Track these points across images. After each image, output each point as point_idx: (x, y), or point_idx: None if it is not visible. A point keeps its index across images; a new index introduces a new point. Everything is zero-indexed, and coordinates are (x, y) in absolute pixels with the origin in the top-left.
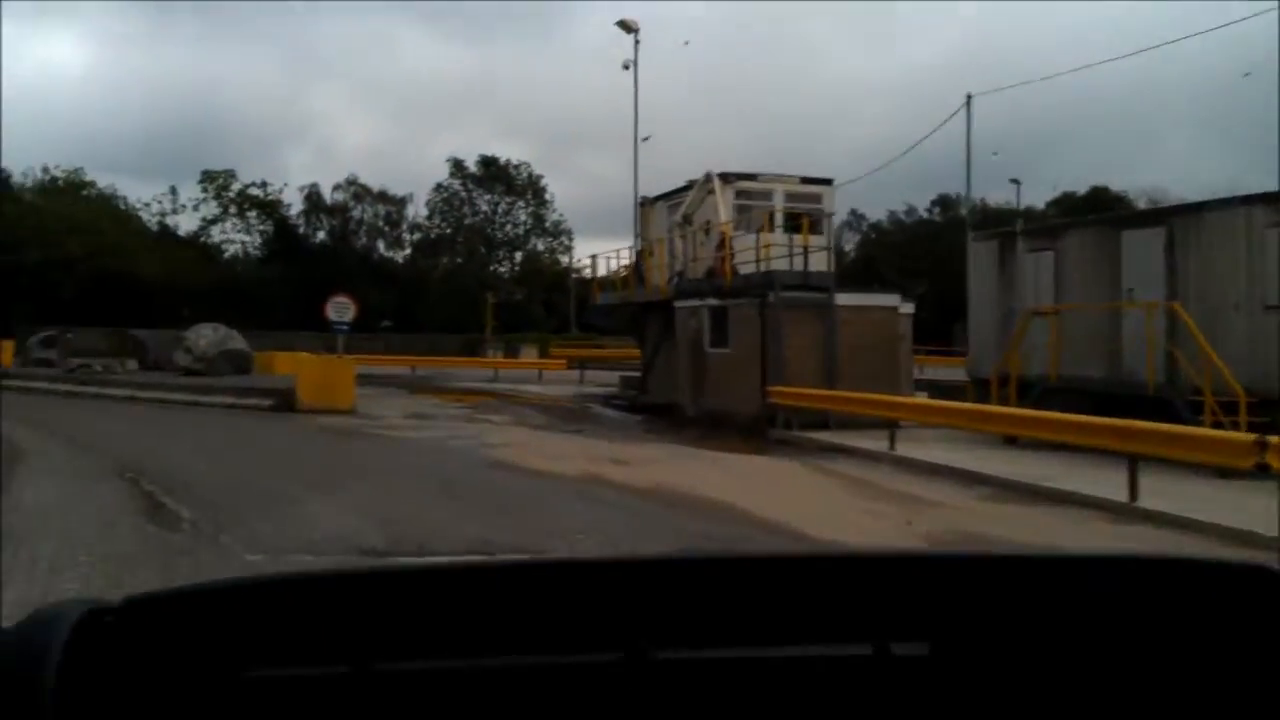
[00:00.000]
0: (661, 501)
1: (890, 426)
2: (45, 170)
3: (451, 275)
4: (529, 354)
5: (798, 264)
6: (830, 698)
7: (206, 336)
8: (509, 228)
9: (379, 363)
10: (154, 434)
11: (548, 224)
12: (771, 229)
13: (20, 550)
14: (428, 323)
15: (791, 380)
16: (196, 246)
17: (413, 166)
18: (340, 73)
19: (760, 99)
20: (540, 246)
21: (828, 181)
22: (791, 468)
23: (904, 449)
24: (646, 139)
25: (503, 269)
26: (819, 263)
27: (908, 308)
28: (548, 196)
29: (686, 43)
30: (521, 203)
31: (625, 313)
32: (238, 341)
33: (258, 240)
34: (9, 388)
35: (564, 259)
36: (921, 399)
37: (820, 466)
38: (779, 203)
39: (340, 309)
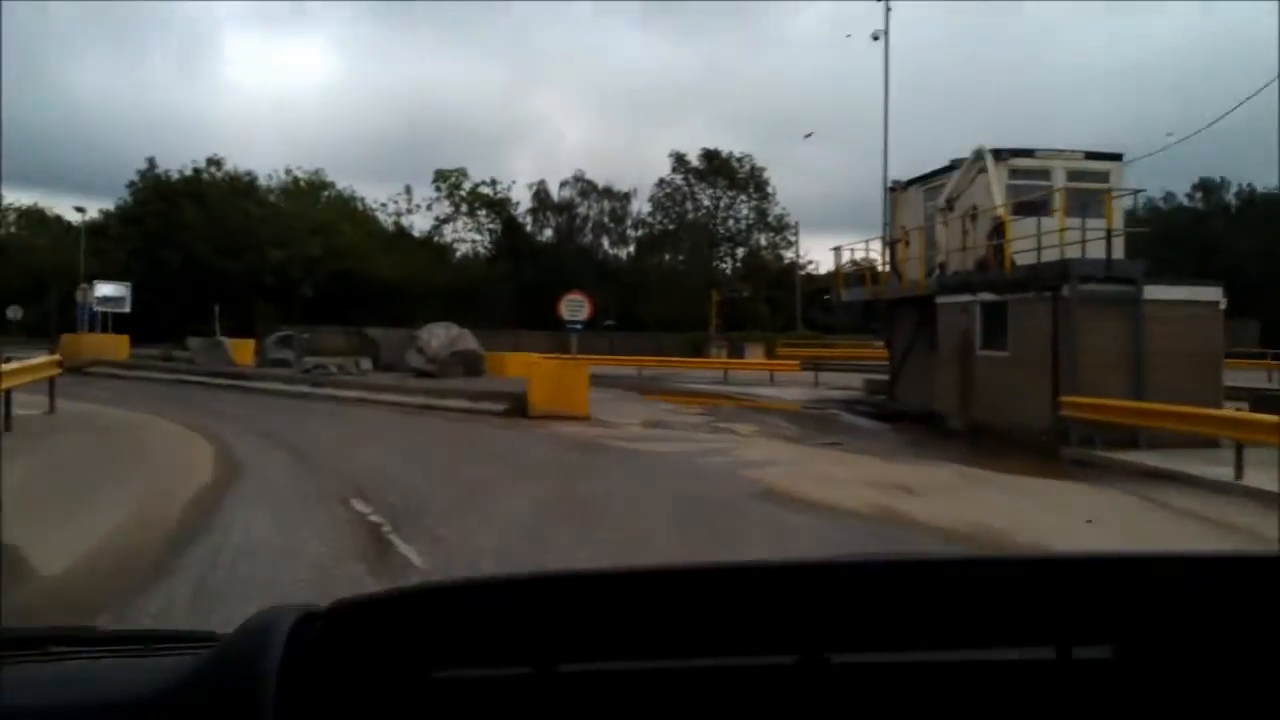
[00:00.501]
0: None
1: (1209, 446)
2: (288, 172)
3: (674, 272)
4: (754, 353)
5: (1091, 252)
6: (1011, 702)
7: (438, 337)
8: (730, 223)
9: (605, 363)
10: (383, 445)
11: (770, 218)
12: (1056, 212)
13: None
14: (650, 321)
15: (1087, 389)
16: (430, 247)
17: (635, 163)
18: (562, 74)
19: (986, 80)
20: (763, 241)
21: (1116, 157)
22: (1120, 501)
23: (1254, 477)
24: (809, 135)
25: (724, 265)
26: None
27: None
28: (770, 190)
29: (875, 36)
30: (744, 197)
31: (869, 310)
32: (469, 341)
33: (487, 239)
34: (246, 388)
35: (786, 254)
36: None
37: (1153, 500)
38: (1059, 181)
39: (574, 307)
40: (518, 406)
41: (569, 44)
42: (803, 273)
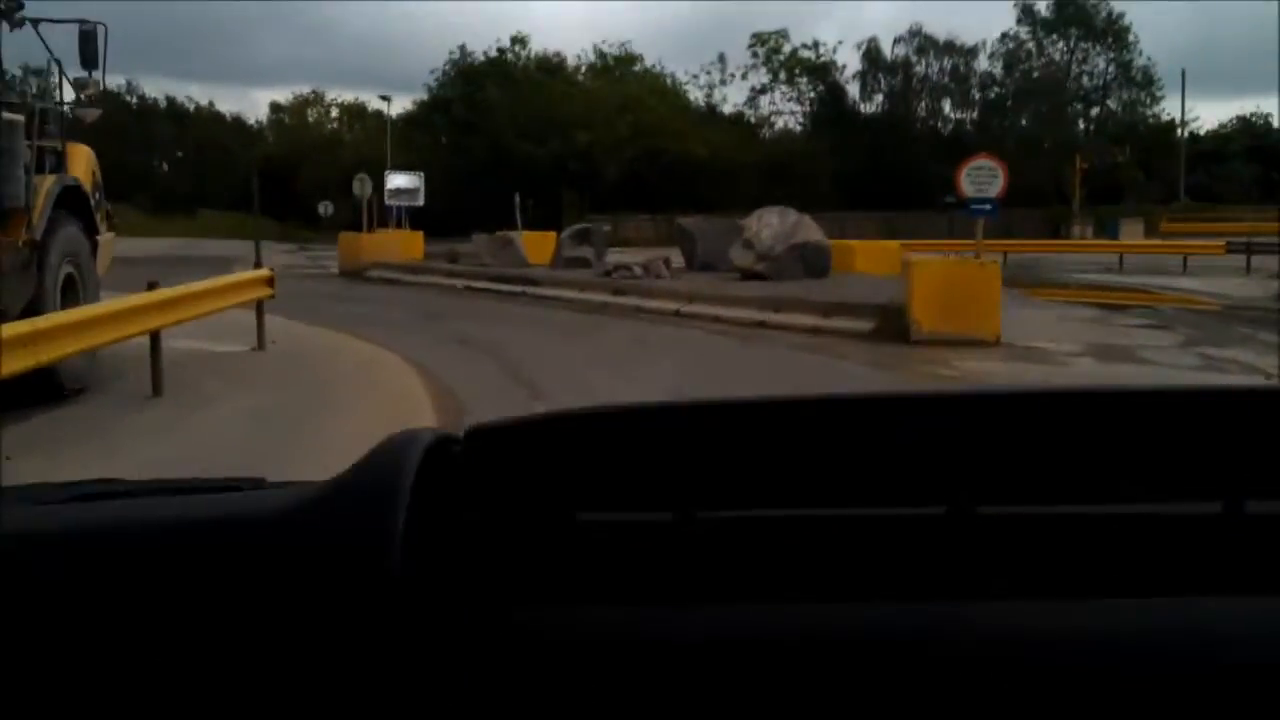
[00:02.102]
0: None
1: None
2: (597, 51)
3: (1027, 139)
4: (1131, 231)
5: None
6: (1170, 557)
7: (771, 226)
8: (1085, 79)
9: (947, 247)
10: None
11: (1134, 71)
12: None
13: None
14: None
15: None
16: (742, 123)
17: (972, 16)
18: None
19: None
20: (1125, 99)
21: None
22: None
23: None
24: None
25: (1081, 128)
26: None
27: None
28: (1132, 38)
29: None
30: (1099, 48)
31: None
32: (811, 231)
33: (807, 110)
34: (533, 296)
35: (1148, 111)
36: None
37: None
38: None
39: (982, 178)
40: (891, 324)
41: None
42: (1190, 133)
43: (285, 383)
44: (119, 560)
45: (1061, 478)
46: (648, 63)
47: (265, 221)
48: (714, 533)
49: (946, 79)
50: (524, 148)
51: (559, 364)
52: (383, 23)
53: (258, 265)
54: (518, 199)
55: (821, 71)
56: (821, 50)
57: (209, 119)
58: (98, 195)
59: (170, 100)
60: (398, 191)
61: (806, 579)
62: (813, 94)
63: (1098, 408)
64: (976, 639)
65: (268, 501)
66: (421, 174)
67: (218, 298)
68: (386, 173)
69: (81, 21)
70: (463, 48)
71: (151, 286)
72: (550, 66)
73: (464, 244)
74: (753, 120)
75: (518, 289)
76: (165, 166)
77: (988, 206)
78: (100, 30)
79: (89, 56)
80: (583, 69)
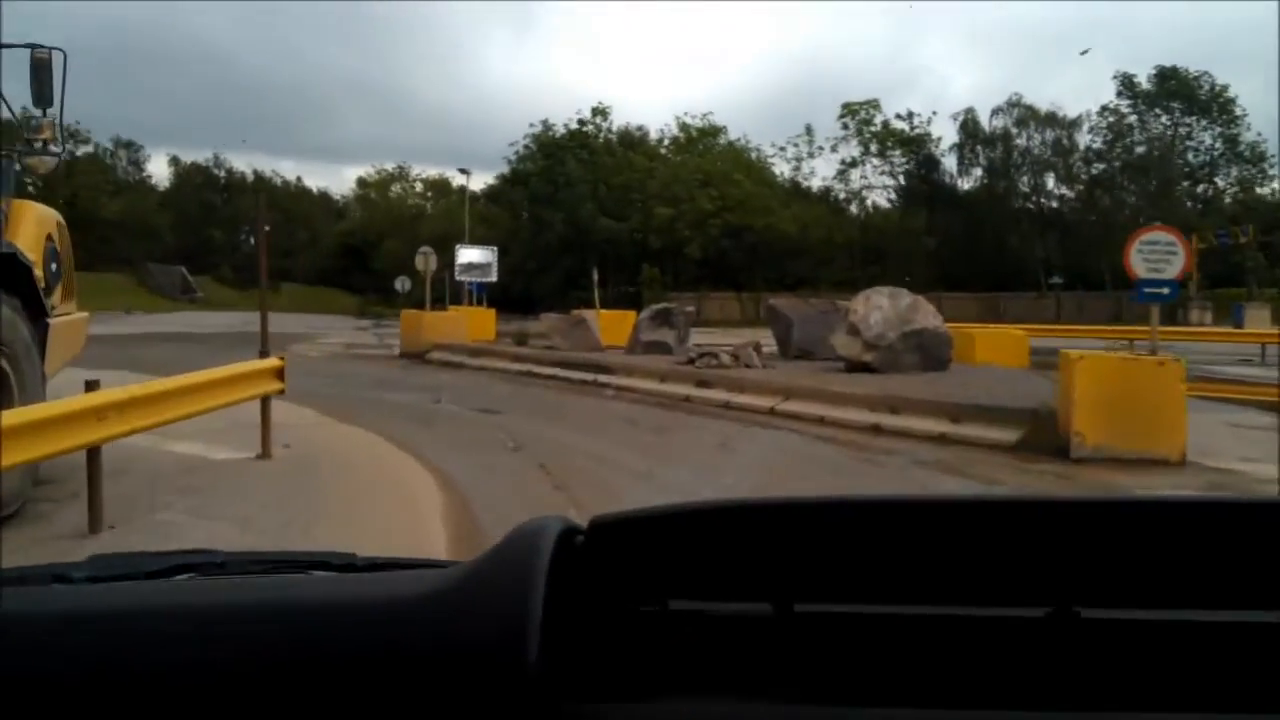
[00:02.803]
0: None
1: None
2: (680, 123)
3: (1134, 216)
4: (1257, 318)
5: None
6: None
7: (881, 310)
8: (1190, 155)
9: (1053, 333)
10: None
11: (1241, 147)
12: None
13: None
14: (1101, 277)
15: None
16: (830, 200)
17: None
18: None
19: None
20: (1234, 176)
21: None
22: None
23: None
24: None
25: (1189, 207)
26: None
27: None
28: (1238, 111)
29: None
30: (1204, 122)
31: None
32: (928, 316)
33: (899, 184)
34: (604, 385)
35: (1264, 190)
36: None
37: None
38: None
39: (1158, 255)
40: (1043, 435)
41: None
42: None
43: (269, 510)
44: (253, 638)
45: (1168, 585)
46: (732, 135)
47: (344, 297)
48: (812, 627)
49: (1049, 153)
50: (604, 223)
51: (626, 482)
52: (469, 100)
53: (263, 353)
54: (595, 274)
55: (916, 143)
56: (916, 121)
57: (295, 194)
58: (55, 266)
59: (257, 174)
60: (469, 267)
61: (901, 677)
62: (906, 167)
63: (1210, 517)
64: None
65: (398, 587)
66: (494, 249)
67: (205, 396)
68: (458, 247)
69: (34, 46)
70: (545, 122)
71: (90, 387)
72: (632, 140)
73: (537, 323)
74: (842, 195)
75: (589, 377)
76: (251, 240)
77: (1165, 290)
78: (58, 58)
79: (43, 91)
80: (665, 141)
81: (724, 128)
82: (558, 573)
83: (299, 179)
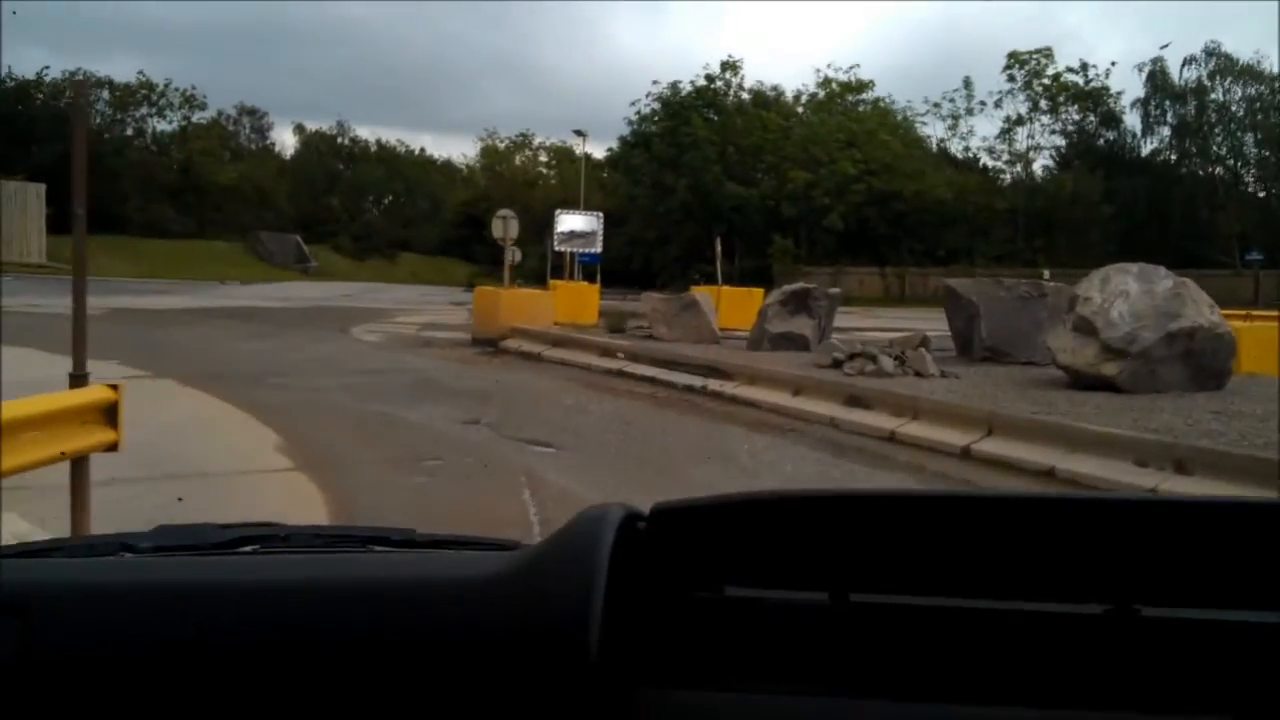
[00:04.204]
0: None
1: None
2: (820, 78)
3: None
4: None
5: None
6: None
7: (1127, 297)
8: None
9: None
10: None
11: None
12: None
13: None
14: None
15: None
16: (979, 170)
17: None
18: None
19: None
20: None
21: None
22: None
23: None
24: None
25: None
26: None
27: None
28: None
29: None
30: None
31: None
32: (1199, 309)
33: (1072, 143)
34: (721, 397)
35: None
36: None
37: None
38: None
39: None
40: None
41: None
42: None
43: None
44: (316, 615)
45: (1232, 586)
46: (878, 92)
47: (460, 267)
48: (868, 617)
49: (1250, 111)
50: (731, 188)
51: None
52: (595, 70)
53: (77, 376)
54: (718, 245)
55: (1092, 98)
56: (1092, 73)
57: (418, 163)
58: None
59: (380, 143)
60: (570, 235)
61: (957, 671)
62: (1080, 126)
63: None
64: None
65: (462, 568)
66: (599, 215)
67: None
68: (557, 213)
69: None
70: (674, 84)
71: None
72: (765, 100)
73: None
74: (1007, 157)
75: (696, 382)
76: (375, 210)
77: None
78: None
79: None
80: (803, 99)
81: (871, 82)
82: (619, 558)
83: (422, 149)
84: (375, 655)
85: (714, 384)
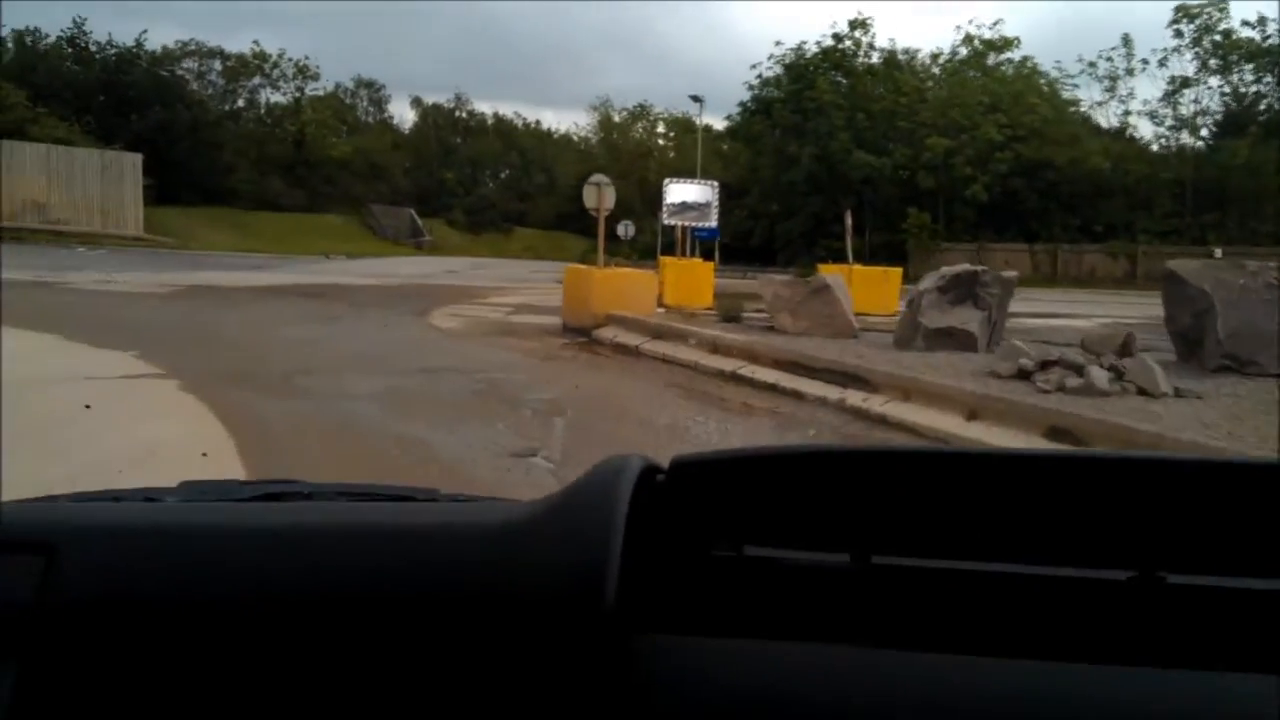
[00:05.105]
0: None
1: None
2: (963, 36)
3: None
4: None
5: None
6: None
7: None
8: None
9: None
10: None
11: None
12: None
13: None
14: None
15: None
16: (1154, 129)
17: None
18: None
19: None
20: None
21: None
22: None
23: None
24: None
25: None
26: None
27: None
28: None
29: None
30: None
31: None
32: None
33: (1246, 107)
34: (866, 416)
35: None
36: None
37: None
38: None
39: None
40: None
41: None
42: None
43: None
44: (329, 558)
45: (1263, 552)
46: (1025, 50)
47: (575, 242)
48: (890, 580)
49: None
50: (860, 157)
51: None
52: (715, 40)
53: None
54: (848, 219)
55: (1269, 57)
56: (1270, 28)
57: (535, 135)
58: None
59: (498, 116)
60: (681, 208)
61: (978, 634)
62: (1256, 88)
63: None
64: (1167, 708)
65: (477, 515)
66: (714, 184)
67: None
68: (666, 183)
69: None
70: (799, 46)
71: None
72: (895, 62)
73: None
74: (1171, 122)
75: (832, 394)
76: (491, 184)
77: None
78: None
79: None
80: (941, 59)
81: (1016, 39)
82: (637, 510)
83: (538, 121)
84: (391, 597)
85: (855, 397)
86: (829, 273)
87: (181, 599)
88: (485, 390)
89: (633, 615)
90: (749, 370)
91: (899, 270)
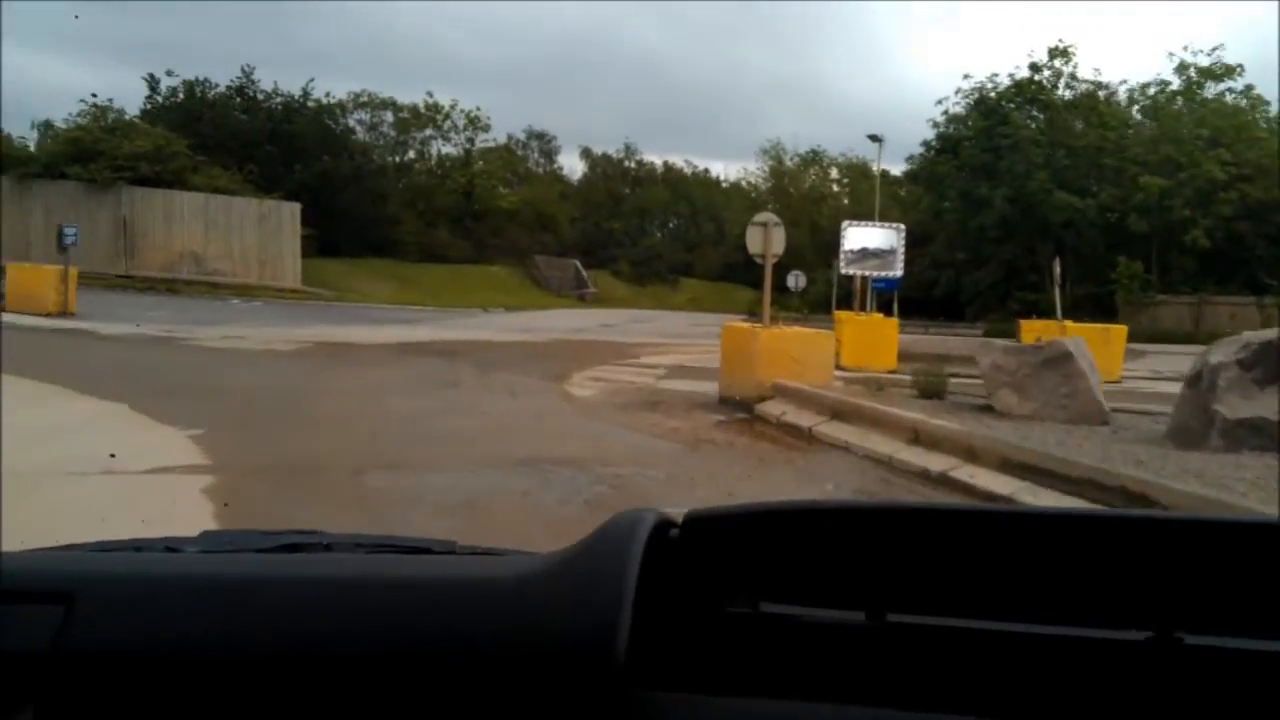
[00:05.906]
0: None
1: None
2: (1177, 63)
3: None
4: None
5: None
6: None
7: None
8: None
9: None
10: None
11: None
12: None
13: None
14: None
15: None
16: None
17: None
18: None
19: None
20: None
21: None
22: None
23: None
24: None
25: None
26: None
27: None
28: None
29: None
30: None
31: None
32: None
33: None
34: None
35: None
36: None
37: None
38: None
39: None
40: None
41: None
42: None
43: None
44: (347, 610)
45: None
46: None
47: (743, 293)
48: (906, 639)
49: None
50: (1061, 198)
51: None
52: (886, 85)
53: None
54: (1057, 265)
55: None
56: None
57: (704, 184)
58: None
59: (666, 165)
60: (861, 255)
61: (994, 697)
62: None
63: None
64: None
65: (492, 570)
66: (900, 227)
67: None
68: (845, 225)
69: None
70: (991, 77)
71: None
72: (1096, 101)
73: (964, 342)
74: None
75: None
76: (658, 234)
77: None
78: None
79: None
80: (1150, 89)
81: (1240, 66)
82: (650, 565)
83: (706, 170)
84: (406, 651)
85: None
86: (1044, 332)
87: (199, 649)
88: (605, 498)
89: (644, 673)
90: (966, 473)
91: (1123, 329)
